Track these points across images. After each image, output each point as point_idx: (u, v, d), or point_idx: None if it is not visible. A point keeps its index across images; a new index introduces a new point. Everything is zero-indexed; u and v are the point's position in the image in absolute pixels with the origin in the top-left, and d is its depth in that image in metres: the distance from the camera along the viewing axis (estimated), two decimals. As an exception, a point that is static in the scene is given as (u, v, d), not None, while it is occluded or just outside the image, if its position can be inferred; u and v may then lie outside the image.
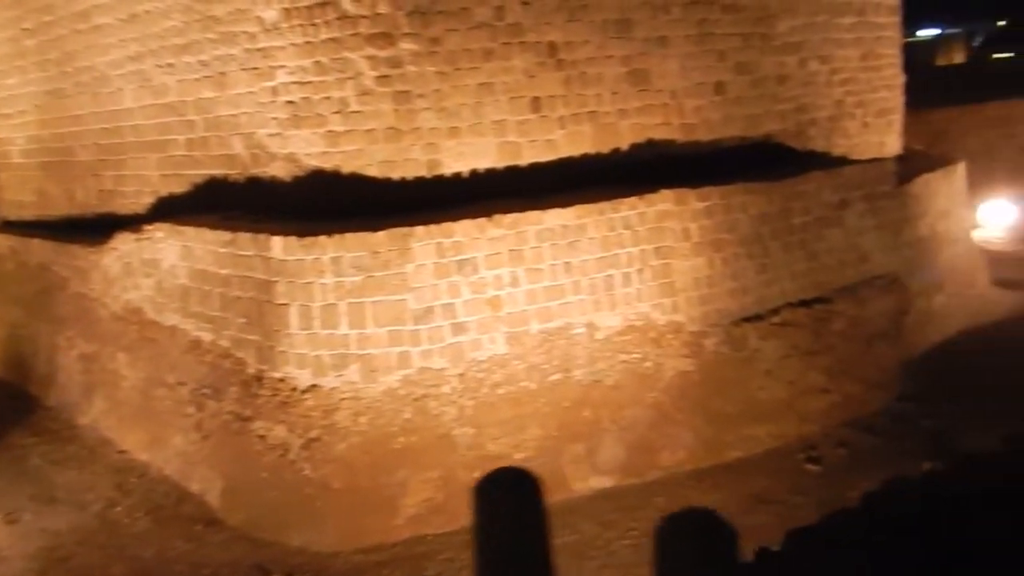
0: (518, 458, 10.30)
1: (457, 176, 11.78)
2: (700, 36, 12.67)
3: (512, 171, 11.90)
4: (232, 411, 11.27)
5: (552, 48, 11.85)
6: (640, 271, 11.42)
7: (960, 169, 15.92)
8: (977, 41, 74.78)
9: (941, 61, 65.57)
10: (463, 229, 10.71)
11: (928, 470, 6.87)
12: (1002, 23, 75.01)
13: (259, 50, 11.87)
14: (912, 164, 15.59)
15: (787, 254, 12.38)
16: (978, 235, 23.26)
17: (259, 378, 10.94)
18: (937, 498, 3.58)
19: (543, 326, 11.04)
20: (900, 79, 16.20)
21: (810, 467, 11.25)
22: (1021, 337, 14.37)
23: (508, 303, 10.90)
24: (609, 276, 11.27)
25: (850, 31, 14.47)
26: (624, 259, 11.34)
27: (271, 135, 11.99)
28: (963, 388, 12.57)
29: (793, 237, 12.44)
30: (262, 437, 10.80)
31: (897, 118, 16.09)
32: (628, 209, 11.32)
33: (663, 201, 11.48)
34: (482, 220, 10.76)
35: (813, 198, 12.57)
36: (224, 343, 11.50)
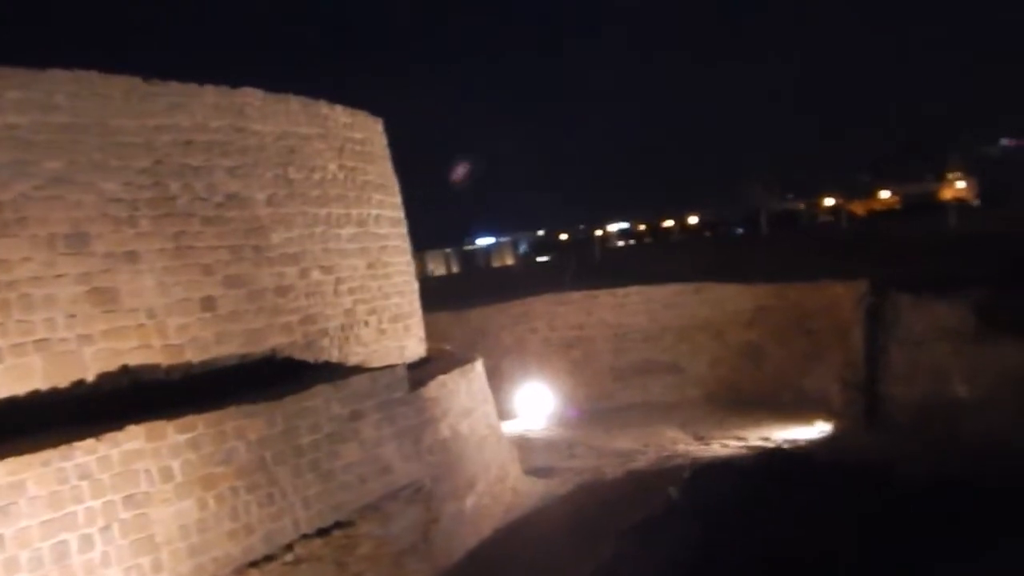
0: None
1: None
2: (179, 249, 11.54)
3: (-76, 421, 9.23)
4: None
5: (-19, 268, 9.77)
6: (105, 529, 9.25)
7: (478, 366, 16.52)
8: (522, 248, 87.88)
9: (496, 263, 75.51)
10: None
11: None
12: (540, 232, 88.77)
13: None
14: (437, 365, 15.76)
15: (297, 479, 11.14)
16: (515, 425, 24.87)
17: None
18: None
19: (-39, 628, 8.22)
20: (413, 285, 16.70)
21: None
22: (548, 526, 14.63)
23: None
24: (61, 543, 8.91)
25: (353, 241, 14.54)
26: (83, 517, 9.11)
27: None
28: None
29: (303, 459, 11.28)
30: None
31: (415, 322, 16.40)
32: (84, 454, 9.23)
33: (131, 439, 9.61)
34: None
35: (322, 413, 11.67)
36: None
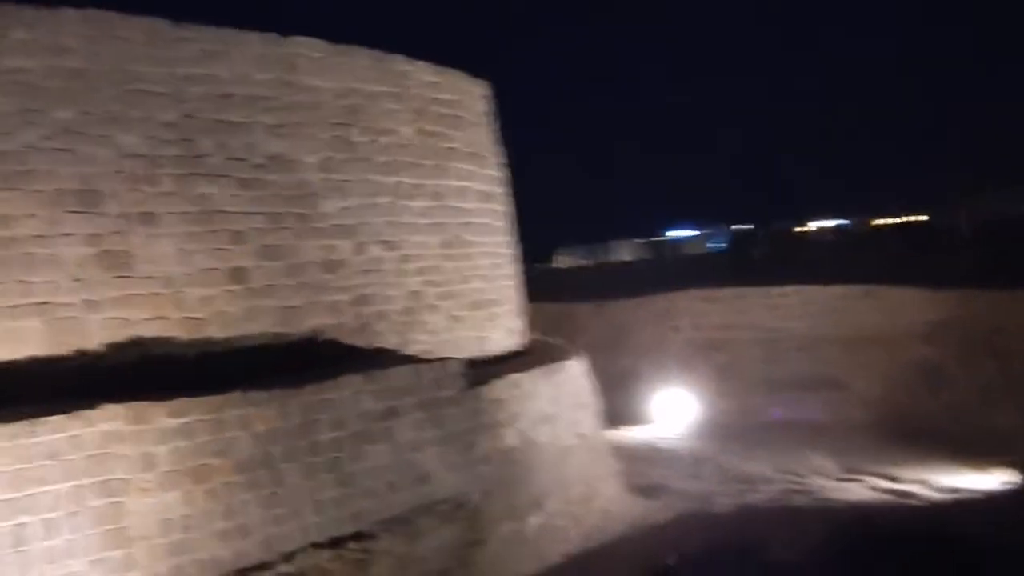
0: None
1: None
2: (205, 213, 10.47)
3: (-98, 384, 8.67)
4: None
5: (-22, 222, 9.11)
6: (73, 515, 8.27)
7: (571, 366, 14.47)
8: (718, 241, 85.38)
9: (688, 251, 75.68)
10: None
11: None
12: (742, 226, 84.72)
13: None
14: (522, 362, 13.93)
15: (310, 480, 9.76)
16: (648, 432, 22.46)
17: None
18: None
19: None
20: (506, 269, 14.92)
21: None
22: (633, 558, 12.40)
23: None
24: (19, 526, 8.01)
25: (426, 215, 12.99)
26: (46, 501, 8.17)
27: None
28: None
29: (319, 458, 9.88)
30: None
31: (504, 311, 14.62)
32: (53, 432, 8.30)
33: (109, 419, 8.58)
34: None
35: (348, 407, 10.22)
36: None
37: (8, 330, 9.22)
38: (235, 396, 9.46)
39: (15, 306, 9.27)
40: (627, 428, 22.14)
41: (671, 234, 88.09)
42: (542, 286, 31.98)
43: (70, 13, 9.63)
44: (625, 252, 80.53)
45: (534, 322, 22.11)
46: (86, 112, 9.70)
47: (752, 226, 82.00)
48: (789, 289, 21.78)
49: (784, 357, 21.77)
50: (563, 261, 77.88)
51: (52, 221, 9.48)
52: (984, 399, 17.41)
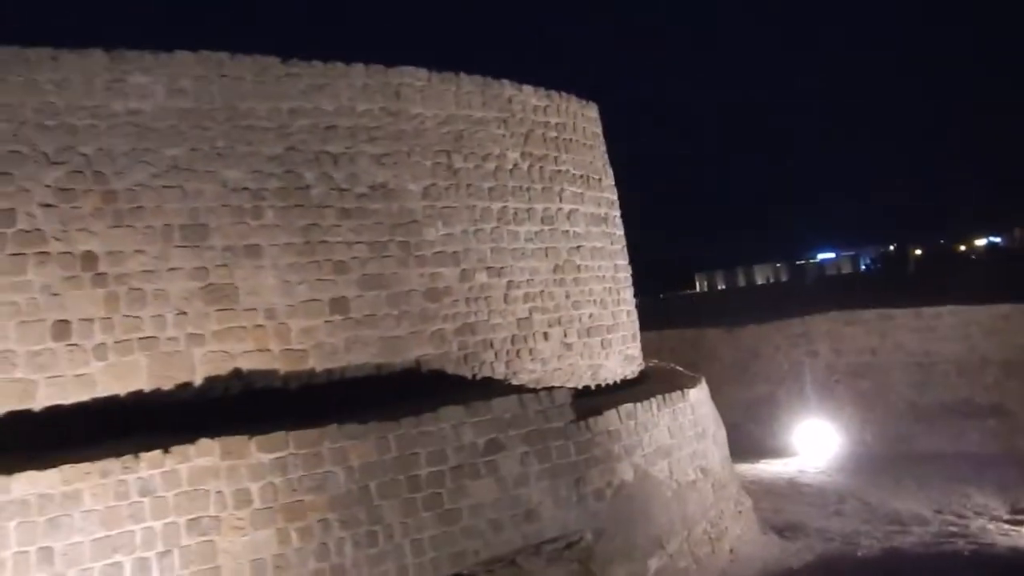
0: None
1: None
2: (308, 244, 10.40)
3: (19, 418, 8.93)
4: None
5: (89, 259, 9.35)
6: (164, 555, 8.24)
7: (693, 395, 13.49)
8: (865, 262, 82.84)
9: (831, 272, 73.77)
10: None
11: None
12: (891, 247, 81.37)
13: None
14: (639, 391, 13.13)
15: (409, 517, 9.40)
16: (789, 465, 20.93)
17: None
18: None
19: (4, 645, 7.63)
20: (621, 294, 14.19)
21: None
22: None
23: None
24: (113, 565, 8.04)
25: (534, 240, 12.50)
26: (140, 539, 8.18)
27: None
28: None
29: (419, 494, 9.52)
30: None
31: (618, 336, 13.88)
32: (148, 467, 8.33)
33: (203, 454, 8.54)
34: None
35: (448, 440, 9.82)
36: None
37: (115, 365, 9.41)
38: (330, 430, 9.25)
39: (122, 341, 9.45)
40: (762, 461, 20.77)
41: (818, 256, 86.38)
42: (674, 311, 30.78)
43: (185, 56, 9.87)
44: (763, 274, 78.53)
45: (660, 348, 21.22)
46: (194, 149, 9.87)
47: (892, 246, 78.49)
48: (943, 309, 19.82)
49: (938, 382, 19.81)
50: (700, 285, 76.79)
51: (160, 256, 9.65)
52: None
